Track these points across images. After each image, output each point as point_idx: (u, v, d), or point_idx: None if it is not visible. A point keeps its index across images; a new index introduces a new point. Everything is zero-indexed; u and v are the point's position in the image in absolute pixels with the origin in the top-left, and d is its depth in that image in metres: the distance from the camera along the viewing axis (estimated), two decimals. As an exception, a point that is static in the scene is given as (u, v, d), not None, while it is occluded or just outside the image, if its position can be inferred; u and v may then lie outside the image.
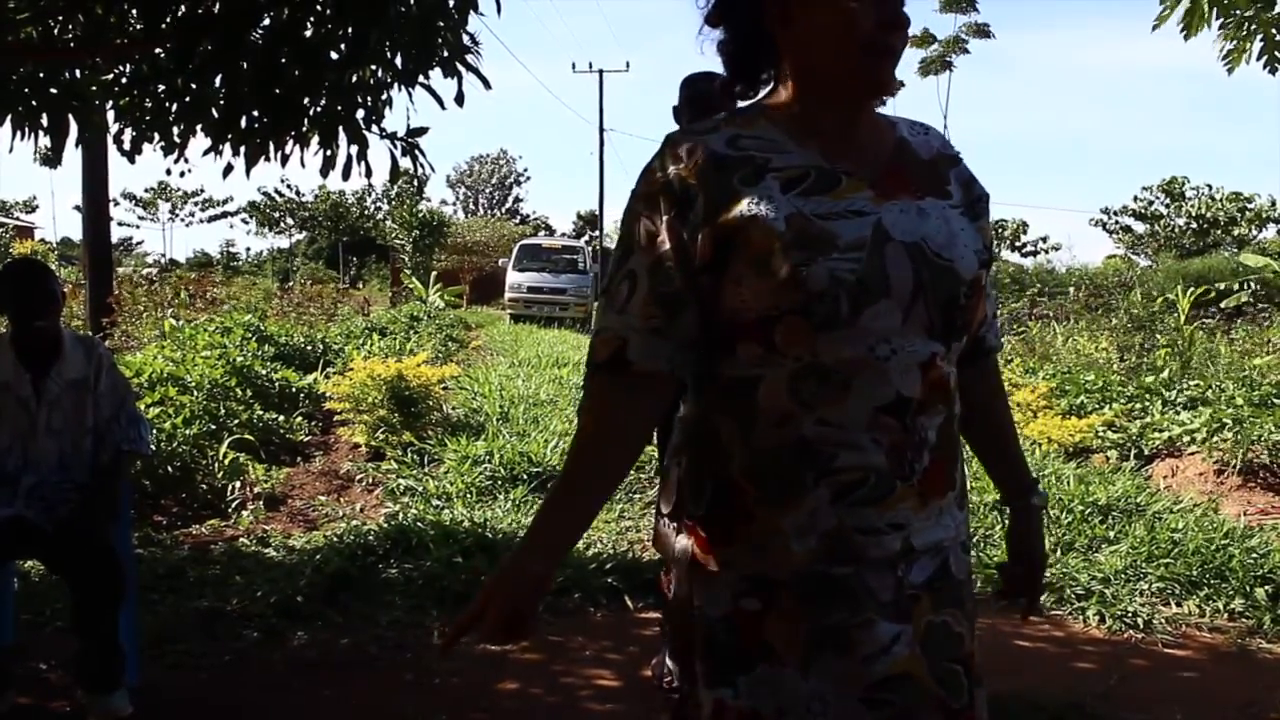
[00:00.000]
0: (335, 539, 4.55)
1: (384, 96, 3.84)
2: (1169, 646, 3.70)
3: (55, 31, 3.89)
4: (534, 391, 8.97)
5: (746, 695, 1.29)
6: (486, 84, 3.87)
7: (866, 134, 1.36)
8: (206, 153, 3.85)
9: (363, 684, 3.30)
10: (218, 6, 3.54)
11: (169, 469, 5.36)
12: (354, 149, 3.79)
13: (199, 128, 3.84)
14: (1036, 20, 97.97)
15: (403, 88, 3.78)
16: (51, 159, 3.96)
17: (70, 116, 3.85)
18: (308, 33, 3.63)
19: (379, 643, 3.58)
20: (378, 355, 9.38)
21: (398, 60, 3.68)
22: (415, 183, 4.34)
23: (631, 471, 5.69)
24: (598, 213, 39.23)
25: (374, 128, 3.83)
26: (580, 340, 15.14)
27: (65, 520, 2.88)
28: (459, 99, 3.76)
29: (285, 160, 3.84)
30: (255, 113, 3.72)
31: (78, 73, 3.95)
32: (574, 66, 35.86)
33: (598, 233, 38.31)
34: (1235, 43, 4.27)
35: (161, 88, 3.85)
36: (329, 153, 3.81)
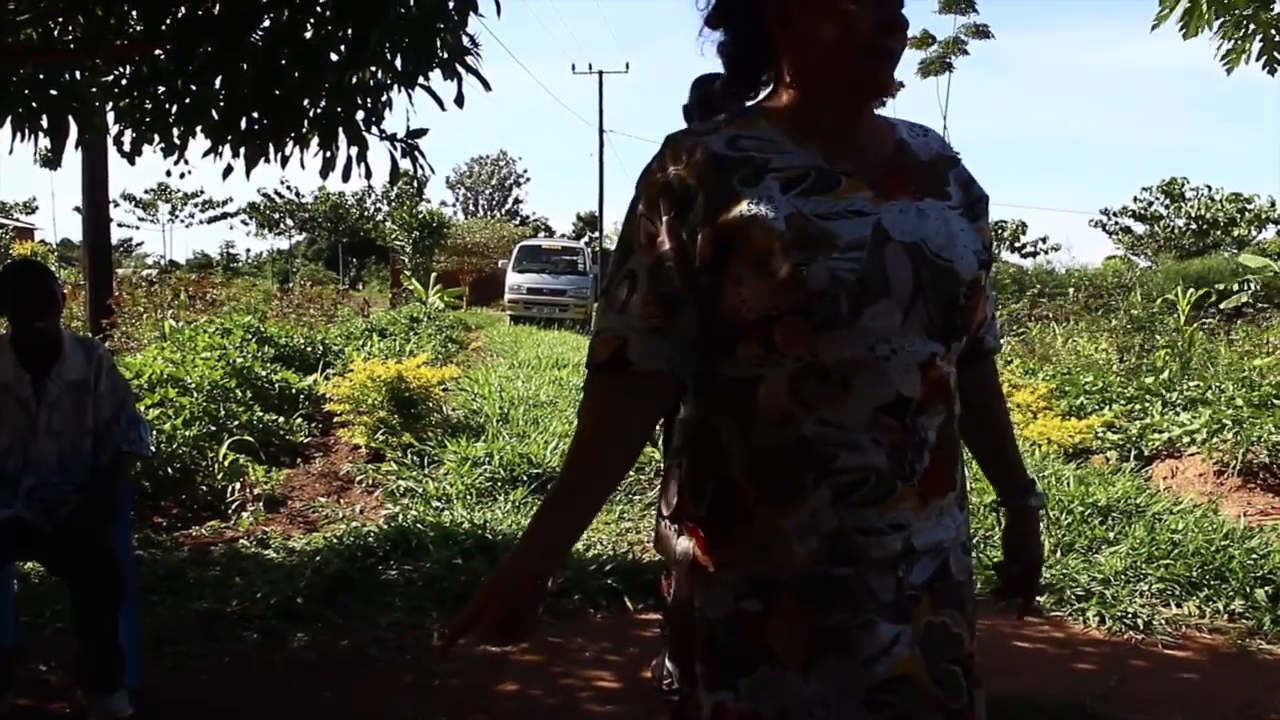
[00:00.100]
0: (335, 540, 4.55)
1: (384, 98, 3.85)
2: (1169, 647, 3.70)
3: (55, 33, 3.90)
4: (534, 393, 8.97)
5: (748, 698, 1.29)
6: (486, 85, 3.87)
7: (866, 135, 1.36)
8: (206, 154, 3.86)
9: (363, 686, 3.29)
10: (217, 8, 3.54)
11: (169, 470, 5.36)
12: (354, 150, 3.79)
13: (199, 129, 3.84)
14: (1036, 20, 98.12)
15: (402, 89, 3.78)
16: (51, 160, 3.96)
17: (70, 118, 3.85)
18: (308, 34, 3.63)
19: (379, 644, 3.58)
20: (377, 356, 9.38)
21: (397, 62, 3.68)
22: (415, 184, 4.35)
23: (632, 473, 5.74)
24: (597, 214, 39.27)
25: (374, 129, 3.84)
26: (580, 341, 15.13)
27: (65, 521, 2.88)
28: (459, 100, 3.76)
29: (285, 161, 3.85)
30: (255, 114, 3.72)
31: (78, 74, 3.96)
32: (574, 68, 35.97)
33: (597, 234, 38.33)
34: (1234, 43, 4.28)
35: (161, 89, 3.86)
36: (329, 154, 3.81)
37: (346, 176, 3.83)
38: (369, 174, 3.84)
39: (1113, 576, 4.15)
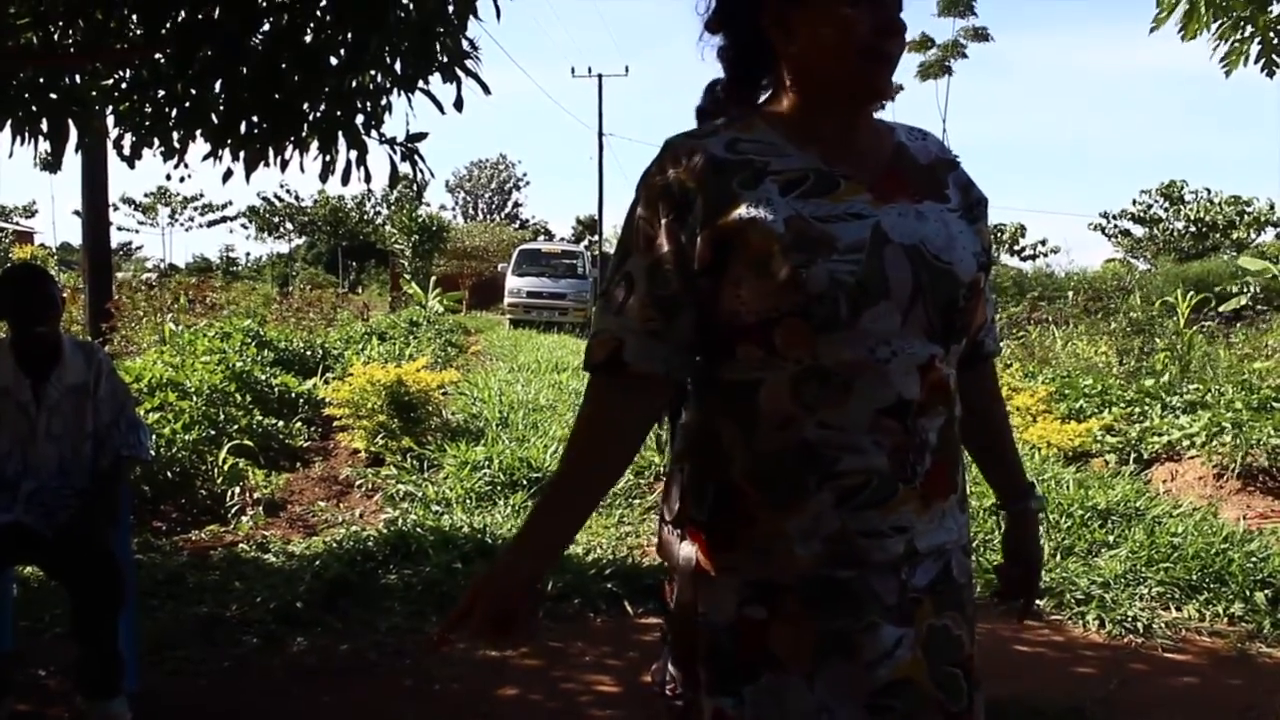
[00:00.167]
0: (334, 545, 4.55)
1: (383, 102, 3.85)
2: (1169, 651, 3.69)
3: (55, 37, 3.90)
4: (533, 397, 8.97)
5: (751, 705, 1.29)
6: (486, 89, 3.87)
7: (865, 138, 1.36)
8: (206, 158, 3.86)
9: (362, 690, 3.29)
10: (217, 12, 3.54)
11: (168, 474, 5.36)
12: (353, 154, 3.79)
13: (199, 133, 3.85)
14: (1035, 23, 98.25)
15: (402, 93, 3.79)
16: (51, 164, 3.97)
17: (70, 122, 3.85)
18: (307, 38, 3.64)
19: (378, 649, 3.57)
20: (377, 360, 9.37)
21: (397, 66, 3.69)
22: (415, 188, 4.37)
23: (631, 477, 5.74)
24: (597, 217, 39.27)
25: (373, 133, 3.84)
26: (579, 345, 15.12)
27: (65, 526, 2.88)
28: (458, 104, 3.77)
29: (285, 165, 3.85)
30: (255, 118, 3.73)
31: (78, 78, 3.96)
32: (573, 71, 35.94)
33: (597, 237, 38.32)
34: (1233, 45, 4.29)
35: (161, 93, 3.86)
36: (328, 158, 3.81)
37: (346, 180, 3.83)
38: (369, 178, 3.85)
39: (1112, 580, 4.15)
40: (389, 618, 3.81)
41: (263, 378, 7.82)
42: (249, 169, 3.79)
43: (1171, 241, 37.40)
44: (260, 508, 5.35)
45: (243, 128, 3.74)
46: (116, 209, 45.72)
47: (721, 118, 1.39)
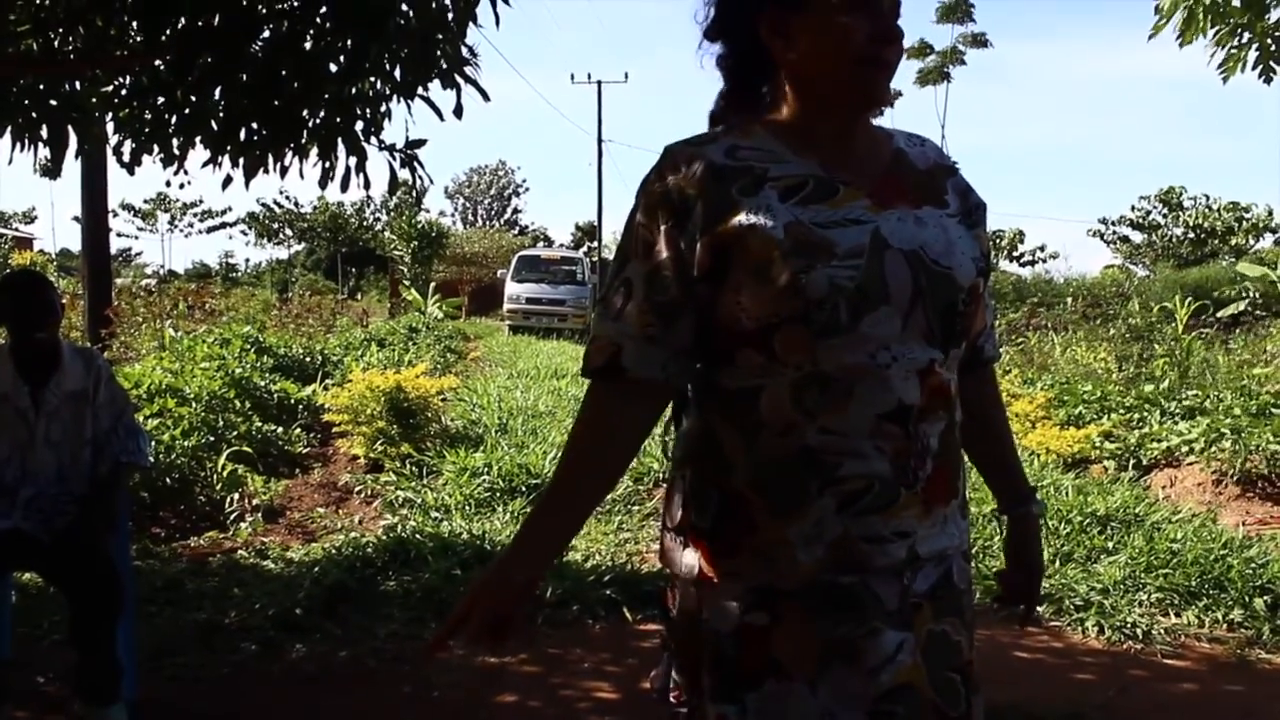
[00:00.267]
0: (334, 551, 4.54)
1: (383, 108, 3.86)
2: (1168, 657, 3.69)
3: (55, 44, 3.90)
4: (532, 403, 8.97)
5: (755, 712, 1.29)
6: (485, 96, 3.88)
7: (864, 144, 1.37)
8: (205, 164, 3.86)
9: (361, 696, 3.29)
10: (217, 19, 3.55)
11: (167, 481, 5.35)
12: (353, 160, 3.80)
13: (198, 139, 3.85)
14: (1034, 29, 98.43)
15: (402, 100, 3.79)
16: (51, 170, 3.97)
17: (70, 128, 3.86)
18: (307, 45, 3.65)
19: (377, 655, 3.57)
20: (376, 367, 9.38)
21: (397, 72, 3.70)
22: (414, 194, 4.37)
23: (630, 483, 5.74)
24: (596, 224, 39.31)
25: (373, 139, 3.85)
26: (578, 351, 15.13)
27: (63, 532, 2.88)
28: (458, 111, 3.78)
29: (284, 172, 3.85)
30: (254, 124, 3.73)
31: (78, 85, 3.96)
32: (572, 78, 35.92)
33: (596, 244, 38.34)
34: (1230, 51, 4.31)
35: (161, 100, 3.86)
36: (328, 164, 3.82)
37: (345, 187, 3.84)
38: (368, 184, 3.85)
39: (1111, 586, 4.15)
40: (388, 624, 3.80)
41: (262, 384, 7.82)
42: (249, 175, 3.80)
43: (1170, 247, 37.43)
44: (259, 514, 5.34)
45: (242, 134, 3.74)
46: (116, 215, 45.78)
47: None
